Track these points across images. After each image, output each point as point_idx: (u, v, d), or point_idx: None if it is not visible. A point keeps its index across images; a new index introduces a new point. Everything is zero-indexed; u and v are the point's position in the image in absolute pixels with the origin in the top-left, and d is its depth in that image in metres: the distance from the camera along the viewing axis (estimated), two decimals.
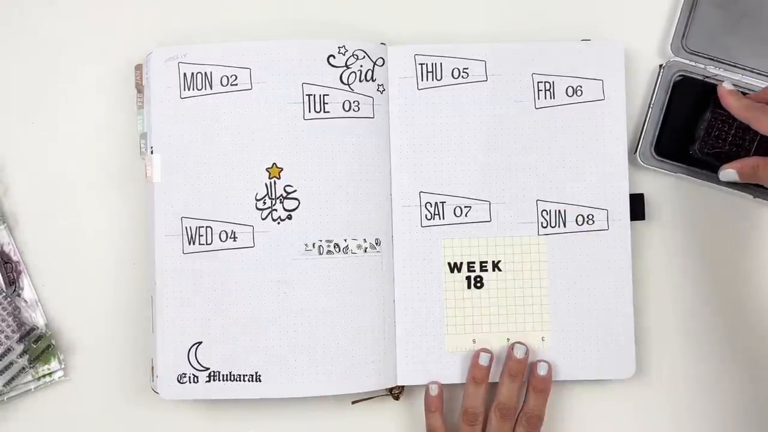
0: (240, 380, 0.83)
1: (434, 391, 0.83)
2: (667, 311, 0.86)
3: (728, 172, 0.82)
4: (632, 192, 0.85)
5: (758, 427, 0.86)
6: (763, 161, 0.81)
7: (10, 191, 0.87)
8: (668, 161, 0.86)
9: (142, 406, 0.86)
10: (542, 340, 0.84)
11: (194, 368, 0.83)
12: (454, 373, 0.84)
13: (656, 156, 0.86)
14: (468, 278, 0.84)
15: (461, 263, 0.84)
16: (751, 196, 0.86)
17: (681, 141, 0.86)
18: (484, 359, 0.83)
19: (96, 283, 0.86)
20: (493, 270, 0.84)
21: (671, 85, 0.86)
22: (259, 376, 0.83)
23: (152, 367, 0.84)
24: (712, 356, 0.86)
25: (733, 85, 0.84)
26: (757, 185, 0.84)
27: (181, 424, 0.86)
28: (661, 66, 0.86)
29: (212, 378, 0.83)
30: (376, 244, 0.84)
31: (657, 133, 0.86)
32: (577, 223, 0.85)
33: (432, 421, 0.83)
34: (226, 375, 0.83)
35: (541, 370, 0.83)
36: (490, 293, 0.84)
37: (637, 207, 0.86)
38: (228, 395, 0.83)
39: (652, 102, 0.86)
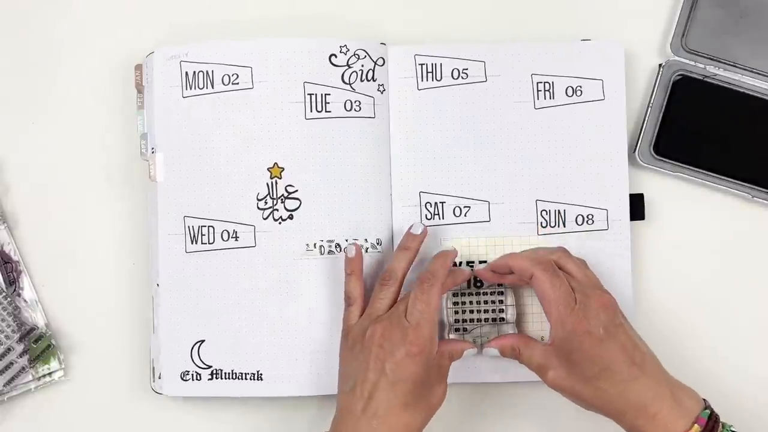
0: (242, 378, 0.83)
1: (351, 252, 0.82)
2: (667, 311, 0.86)
3: (489, 350, 0.81)
4: (632, 192, 0.85)
5: (758, 427, 0.86)
6: (523, 341, 0.80)
7: (11, 191, 0.87)
8: (668, 161, 0.86)
9: (142, 406, 0.86)
10: (542, 339, 0.84)
11: (197, 366, 0.83)
12: (456, 374, 0.84)
13: (655, 155, 0.86)
14: (469, 280, 0.85)
15: (461, 264, 0.84)
16: (750, 196, 0.86)
17: (681, 141, 0.86)
18: (416, 228, 0.82)
19: (96, 283, 0.86)
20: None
21: (671, 84, 0.86)
22: (261, 374, 0.83)
23: (152, 367, 0.84)
24: (711, 356, 0.86)
25: (734, 85, 0.84)
26: (755, 185, 0.85)
27: (181, 425, 0.86)
28: (660, 65, 0.86)
29: (215, 376, 0.83)
30: (377, 243, 0.84)
31: (656, 133, 0.86)
32: (576, 223, 0.85)
33: (350, 285, 0.81)
34: (229, 373, 0.83)
35: (415, 229, 0.82)
36: (490, 293, 0.84)
37: (637, 207, 0.86)
38: (230, 393, 0.83)
39: (652, 101, 0.86)
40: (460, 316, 0.84)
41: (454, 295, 0.84)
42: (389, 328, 0.76)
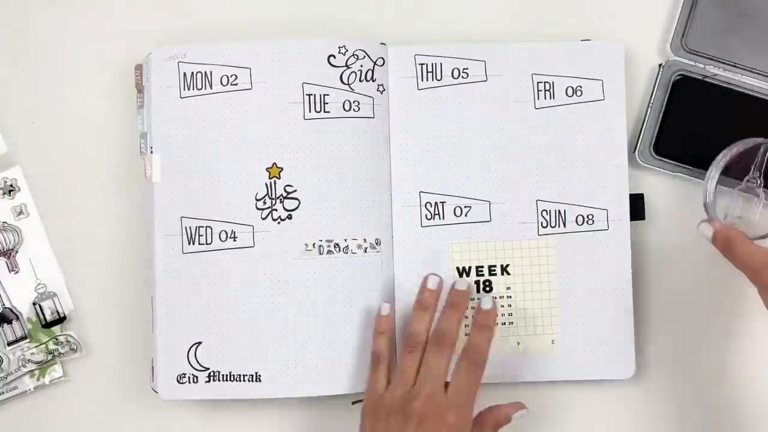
0: (240, 380, 0.83)
1: (385, 311, 0.81)
2: (667, 311, 0.86)
3: (705, 227, 0.80)
4: (632, 192, 0.85)
5: (758, 427, 0.86)
6: (742, 239, 0.78)
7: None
8: (667, 161, 0.86)
9: (142, 406, 0.86)
10: (552, 343, 0.84)
11: (194, 368, 0.83)
12: None
13: (655, 155, 0.86)
14: (477, 282, 0.84)
15: (469, 267, 0.84)
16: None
17: (680, 141, 0.86)
18: (432, 283, 0.82)
19: (96, 283, 0.86)
20: (502, 274, 0.84)
21: (670, 84, 0.86)
22: (259, 376, 0.83)
23: (152, 367, 0.84)
24: (712, 356, 0.86)
25: (734, 85, 0.84)
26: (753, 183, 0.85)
27: (181, 425, 0.86)
28: (660, 65, 0.86)
29: (212, 378, 0.83)
30: (376, 244, 0.84)
31: (656, 133, 0.86)
32: (577, 223, 0.85)
33: (379, 343, 0.81)
34: (226, 375, 0.83)
35: (485, 304, 0.81)
36: (499, 297, 0.84)
37: (637, 207, 0.85)
38: (228, 395, 0.83)
39: (652, 101, 0.86)
40: (469, 321, 0.84)
41: None
42: (429, 407, 0.75)
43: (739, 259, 0.78)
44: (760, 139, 0.82)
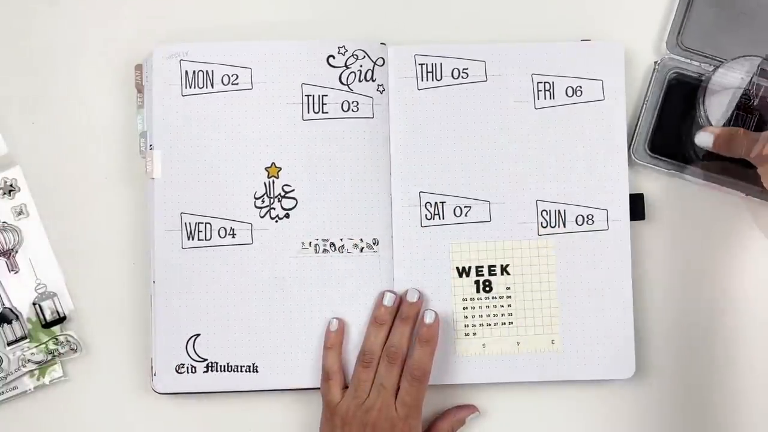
0: (237, 371, 0.83)
1: (334, 326, 0.83)
2: (667, 311, 0.86)
3: (704, 135, 0.81)
4: (631, 192, 0.85)
5: (758, 427, 0.85)
6: (744, 132, 0.80)
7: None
8: (662, 158, 0.86)
9: (142, 406, 0.86)
10: (552, 342, 0.84)
11: (192, 359, 0.83)
12: (440, 376, 0.84)
13: (650, 153, 0.86)
14: (477, 282, 0.84)
15: (469, 267, 0.84)
16: (743, 194, 0.85)
17: (675, 139, 0.86)
18: (388, 299, 0.82)
19: (96, 283, 0.86)
20: (502, 274, 0.84)
21: (666, 82, 0.86)
22: (256, 367, 0.83)
23: (152, 366, 0.84)
24: (711, 356, 0.86)
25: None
26: (750, 182, 0.84)
27: (181, 424, 0.86)
28: (656, 63, 0.86)
29: (210, 369, 0.83)
30: (374, 244, 0.84)
31: (651, 131, 0.86)
32: (576, 223, 0.85)
33: (328, 359, 0.82)
34: (224, 366, 0.83)
35: (428, 318, 0.82)
36: (499, 297, 0.84)
37: (637, 207, 0.85)
38: (225, 386, 0.83)
39: (647, 99, 0.86)
40: (469, 321, 0.84)
41: (463, 299, 0.84)
42: (379, 420, 0.79)
43: (747, 148, 0.79)
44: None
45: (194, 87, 0.84)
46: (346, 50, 0.84)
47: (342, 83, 0.84)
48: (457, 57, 0.85)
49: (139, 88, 0.86)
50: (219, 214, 0.84)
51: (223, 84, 0.84)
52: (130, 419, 0.86)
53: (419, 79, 0.85)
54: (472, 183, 0.85)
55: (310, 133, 0.84)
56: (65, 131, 0.87)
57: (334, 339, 0.83)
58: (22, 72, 0.88)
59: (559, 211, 0.85)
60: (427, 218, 0.85)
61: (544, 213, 0.85)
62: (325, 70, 0.84)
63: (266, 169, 0.84)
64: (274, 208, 0.84)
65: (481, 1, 0.88)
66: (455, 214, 0.85)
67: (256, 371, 0.83)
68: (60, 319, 0.85)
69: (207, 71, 0.84)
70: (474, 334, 0.84)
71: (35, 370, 0.85)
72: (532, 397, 0.84)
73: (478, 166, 0.85)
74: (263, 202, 0.84)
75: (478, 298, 0.84)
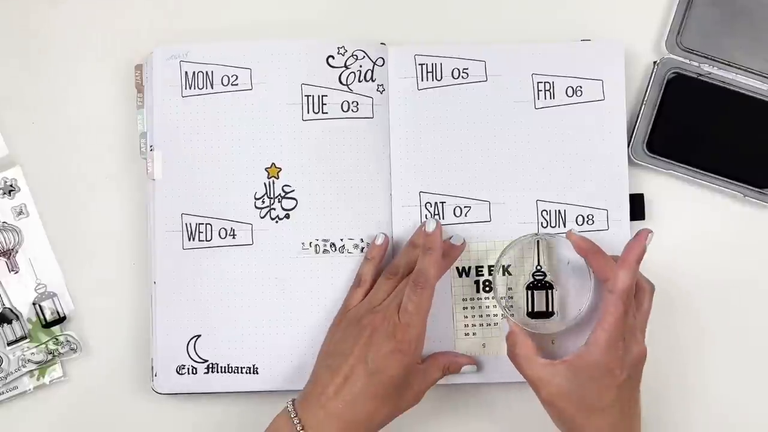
0: (238, 372, 0.83)
1: (380, 240, 0.83)
2: (666, 311, 0.86)
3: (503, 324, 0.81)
4: (631, 192, 0.85)
5: (758, 427, 0.86)
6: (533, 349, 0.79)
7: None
8: (660, 158, 0.86)
9: (142, 406, 0.86)
10: (552, 343, 0.84)
11: (193, 360, 0.83)
12: (467, 375, 0.84)
13: (648, 153, 0.86)
14: (477, 282, 0.84)
15: (469, 267, 0.84)
16: (741, 195, 0.85)
17: (674, 139, 0.86)
18: (430, 226, 0.80)
19: (96, 283, 0.86)
20: (502, 274, 0.84)
21: (665, 82, 0.86)
22: (257, 368, 0.83)
23: (152, 367, 0.84)
24: (711, 356, 0.86)
25: (728, 83, 0.84)
26: (747, 184, 0.84)
27: (181, 424, 0.86)
28: (655, 63, 0.86)
29: (210, 370, 0.83)
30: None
31: (649, 131, 0.86)
32: (577, 223, 0.85)
33: (364, 267, 0.83)
34: (224, 367, 0.83)
35: (428, 226, 0.80)
36: (498, 298, 0.84)
37: (637, 207, 0.85)
38: (225, 387, 0.83)
39: (646, 99, 0.86)
40: (469, 321, 0.84)
41: (463, 299, 0.84)
42: (382, 322, 0.77)
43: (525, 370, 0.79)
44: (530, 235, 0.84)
45: (194, 88, 0.84)
46: (346, 50, 0.84)
47: (342, 83, 0.84)
48: (457, 57, 0.85)
49: (139, 89, 0.86)
50: (219, 214, 0.84)
51: (223, 85, 0.84)
52: (130, 419, 0.86)
53: (419, 79, 0.85)
54: (472, 183, 0.85)
55: (310, 133, 0.84)
56: (65, 131, 0.87)
57: (376, 252, 0.83)
58: (22, 72, 0.88)
59: (559, 211, 0.85)
60: (427, 218, 0.85)
61: (545, 213, 0.85)
62: (324, 70, 0.84)
63: (266, 169, 0.84)
64: (274, 209, 0.84)
65: (481, 1, 0.88)
66: (455, 214, 0.85)
67: (257, 372, 0.83)
68: (60, 319, 0.85)
69: (207, 72, 0.84)
70: (474, 334, 0.84)
71: (35, 370, 0.85)
72: (532, 396, 0.84)
73: (478, 166, 0.85)
74: (263, 202, 0.84)
75: (478, 298, 0.84)
